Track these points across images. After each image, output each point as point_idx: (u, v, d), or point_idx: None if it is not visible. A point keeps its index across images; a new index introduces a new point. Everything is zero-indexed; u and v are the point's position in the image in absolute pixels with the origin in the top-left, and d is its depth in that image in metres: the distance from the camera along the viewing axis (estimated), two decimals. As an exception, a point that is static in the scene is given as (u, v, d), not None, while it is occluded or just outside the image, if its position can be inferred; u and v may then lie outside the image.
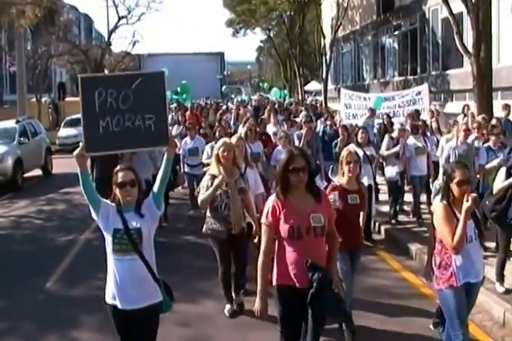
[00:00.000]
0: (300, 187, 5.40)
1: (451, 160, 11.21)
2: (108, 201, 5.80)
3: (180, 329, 8.01)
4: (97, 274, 8.87)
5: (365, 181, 10.94)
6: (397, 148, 13.15)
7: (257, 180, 9.23)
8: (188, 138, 15.30)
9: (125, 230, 5.52)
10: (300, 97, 50.19)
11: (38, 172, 23.19)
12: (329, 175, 13.30)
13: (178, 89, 31.11)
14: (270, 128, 16.92)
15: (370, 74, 40.63)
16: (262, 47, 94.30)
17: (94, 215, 5.72)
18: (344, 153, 7.40)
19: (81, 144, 5.49)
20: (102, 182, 10.91)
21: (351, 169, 7.26)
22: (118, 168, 5.77)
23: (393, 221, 13.09)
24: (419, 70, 31.61)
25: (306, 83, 56.43)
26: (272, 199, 5.50)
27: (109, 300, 5.73)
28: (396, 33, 35.26)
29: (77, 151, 5.49)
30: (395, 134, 13.73)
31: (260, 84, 79.51)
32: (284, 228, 5.36)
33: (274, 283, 5.54)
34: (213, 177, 8.03)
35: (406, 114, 18.09)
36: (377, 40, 38.73)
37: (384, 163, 13.90)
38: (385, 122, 17.75)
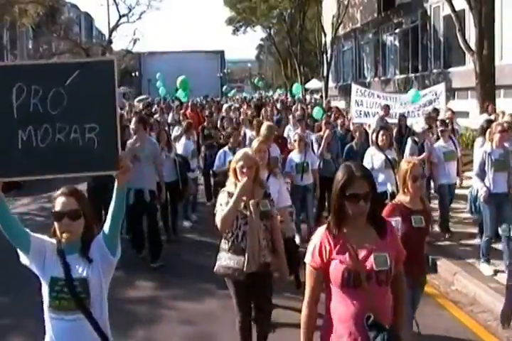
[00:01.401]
0: (360, 219, 4.08)
1: (486, 167, 9.87)
2: (44, 237, 4.23)
3: (184, 327, 7.96)
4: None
5: (389, 188, 10.47)
6: (425, 154, 11.87)
7: (282, 192, 7.92)
8: (183, 139, 14.19)
9: (66, 280, 4.05)
10: (301, 95, 50.14)
11: (39, 170, 23.08)
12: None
13: (177, 85, 30.77)
14: (289, 130, 16.15)
15: (371, 72, 40.70)
16: (263, 45, 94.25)
17: (22, 259, 4.16)
18: (408, 165, 6.06)
19: None
20: (97, 191, 10.02)
21: (418, 186, 6.02)
22: (58, 191, 4.20)
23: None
24: (420, 68, 31.69)
25: (306, 81, 56.39)
26: (321, 233, 4.16)
27: None
28: (397, 30, 35.33)
29: None
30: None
31: (254, 81, 78.82)
32: (336, 272, 4.02)
33: None
34: (230, 195, 6.21)
35: (423, 114, 16.74)
36: (378, 38, 38.81)
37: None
38: (401, 124, 15.82)
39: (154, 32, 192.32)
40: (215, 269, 6.30)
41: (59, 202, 4.09)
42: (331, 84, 46.61)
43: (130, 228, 11.16)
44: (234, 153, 10.88)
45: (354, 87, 19.28)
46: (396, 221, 5.65)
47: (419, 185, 6.03)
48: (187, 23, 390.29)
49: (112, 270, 4.26)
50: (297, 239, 10.42)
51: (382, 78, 37.47)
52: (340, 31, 43.64)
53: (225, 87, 63.86)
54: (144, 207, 10.67)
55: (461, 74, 25.24)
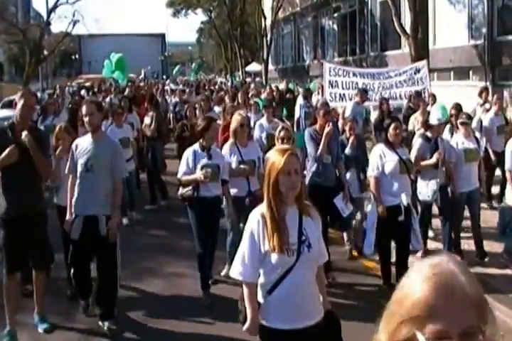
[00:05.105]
0: None
1: None
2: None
3: (131, 307, 7.90)
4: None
5: (403, 199, 8.07)
6: (438, 154, 9.06)
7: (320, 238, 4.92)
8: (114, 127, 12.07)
9: None
10: (241, 78, 50.29)
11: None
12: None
13: (112, 65, 28.99)
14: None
15: (310, 55, 41.11)
16: (203, 28, 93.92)
17: None
18: None
19: None
20: (14, 225, 6.70)
21: None
22: None
23: None
24: (358, 51, 32.22)
25: (246, 64, 56.60)
26: None
27: None
28: (335, 15, 35.83)
29: None
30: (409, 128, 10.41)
31: (192, 65, 77.88)
32: None
33: None
34: None
35: (406, 97, 15.38)
36: (317, 22, 39.22)
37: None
38: (383, 109, 14.03)
39: (94, 14, 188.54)
40: None
41: None
42: (271, 67, 47.09)
43: (74, 274, 7.42)
44: (208, 155, 8.02)
45: (327, 65, 16.71)
46: None
47: None
48: (127, 6, 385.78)
49: None
50: None
51: (321, 61, 37.80)
52: (280, 15, 43.92)
53: (177, 68, 63.28)
54: (97, 243, 6.94)
55: (397, 57, 25.77)
